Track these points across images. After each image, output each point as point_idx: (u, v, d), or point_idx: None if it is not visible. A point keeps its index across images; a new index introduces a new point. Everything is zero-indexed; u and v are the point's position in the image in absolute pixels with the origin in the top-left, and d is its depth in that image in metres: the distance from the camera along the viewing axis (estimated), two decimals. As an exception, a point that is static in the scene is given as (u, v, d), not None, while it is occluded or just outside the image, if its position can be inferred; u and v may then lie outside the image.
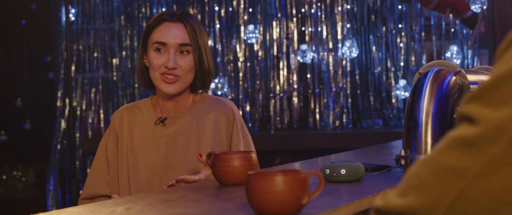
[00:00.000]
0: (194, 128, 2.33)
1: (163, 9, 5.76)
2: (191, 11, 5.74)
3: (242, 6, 5.69)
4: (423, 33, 5.51)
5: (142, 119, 2.38)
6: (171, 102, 2.36)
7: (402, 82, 5.44)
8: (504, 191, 0.80)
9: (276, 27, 5.67)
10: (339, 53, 5.54)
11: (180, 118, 2.35)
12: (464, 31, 5.30)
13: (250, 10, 5.71)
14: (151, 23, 2.34)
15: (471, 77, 1.93)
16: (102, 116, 5.80)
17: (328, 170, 1.84)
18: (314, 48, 5.59)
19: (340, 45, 5.54)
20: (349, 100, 5.57)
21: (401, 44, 5.53)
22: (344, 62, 5.55)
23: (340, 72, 5.55)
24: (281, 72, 5.68)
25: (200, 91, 2.43)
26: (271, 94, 5.67)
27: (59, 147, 5.73)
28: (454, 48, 5.26)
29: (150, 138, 2.34)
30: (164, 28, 2.31)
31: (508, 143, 0.80)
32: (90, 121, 5.80)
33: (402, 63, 5.53)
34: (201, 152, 2.28)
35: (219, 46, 5.73)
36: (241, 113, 5.68)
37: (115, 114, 2.43)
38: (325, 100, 5.57)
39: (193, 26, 2.31)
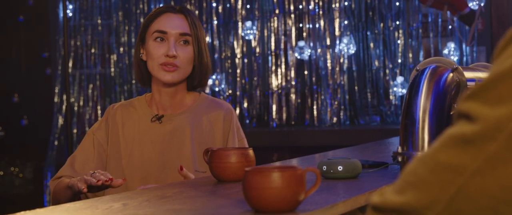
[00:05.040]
0: (190, 127, 2.30)
1: (161, 5, 5.75)
2: (188, 7, 5.73)
3: (239, 2, 5.68)
4: (420, 30, 5.51)
5: (136, 116, 2.34)
6: (167, 99, 2.32)
7: (400, 79, 5.44)
8: (502, 189, 0.80)
9: (274, 23, 5.66)
10: (337, 50, 5.54)
11: (177, 116, 2.32)
12: (462, 28, 5.30)
13: (248, 6, 5.70)
14: (151, 15, 2.33)
15: (468, 74, 1.93)
16: (99, 112, 5.80)
17: (325, 167, 1.84)
18: (311, 44, 5.59)
19: (337, 41, 5.54)
20: (347, 97, 5.57)
21: (399, 41, 5.53)
22: (341, 59, 5.55)
23: (337, 69, 5.55)
24: (278, 68, 5.68)
25: (198, 90, 2.41)
26: (270, 91, 5.67)
27: (56, 143, 5.72)
28: (452, 45, 5.26)
29: (146, 135, 2.31)
30: (165, 18, 2.30)
31: (506, 141, 0.80)
32: (87, 117, 5.79)
33: (399, 60, 5.53)
34: (196, 151, 2.26)
35: (216, 43, 5.72)
36: (238, 109, 5.68)
37: (110, 108, 2.38)
38: (322, 97, 5.57)
39: (193, 19, 2.31)
